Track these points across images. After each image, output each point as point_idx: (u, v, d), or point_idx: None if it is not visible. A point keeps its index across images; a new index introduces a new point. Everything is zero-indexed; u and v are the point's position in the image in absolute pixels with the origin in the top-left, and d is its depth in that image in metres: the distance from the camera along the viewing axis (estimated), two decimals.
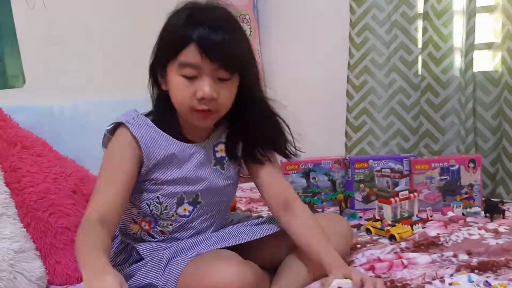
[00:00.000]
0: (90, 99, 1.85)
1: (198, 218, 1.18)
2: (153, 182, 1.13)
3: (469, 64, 2.02)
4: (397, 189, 1.68)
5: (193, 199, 1.16)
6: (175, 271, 1.06)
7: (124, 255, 1.20)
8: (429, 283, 1.12)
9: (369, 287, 0.99)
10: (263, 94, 1.18)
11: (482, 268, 1.19)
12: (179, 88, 1.07)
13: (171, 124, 1.13)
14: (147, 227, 1.17)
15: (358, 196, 1.88)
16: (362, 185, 1.88)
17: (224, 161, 1.21)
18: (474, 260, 1.25)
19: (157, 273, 1.09)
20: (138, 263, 1.14)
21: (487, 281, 1.10)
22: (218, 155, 1.20)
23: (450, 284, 1.11)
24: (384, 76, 2.25)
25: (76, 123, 1.74)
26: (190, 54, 1.04)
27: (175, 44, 1.05)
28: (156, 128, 1.12)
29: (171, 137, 1.12)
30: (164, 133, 1.12)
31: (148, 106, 2.02)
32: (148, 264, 1.11)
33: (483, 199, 1.81)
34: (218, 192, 1.20)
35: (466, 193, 1.81)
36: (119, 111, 1.86)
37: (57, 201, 1.34)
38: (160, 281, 1.07)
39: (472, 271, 1.18)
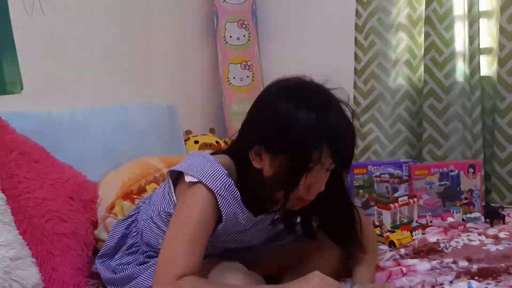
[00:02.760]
0: (88, 106, 1.85)
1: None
2: (213, 241, 1.08)
3: (475, 68, 2.01)
4: (396, 194, 1.67)
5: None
6: None
7: (131, 257, 1.19)
8: None
9: None
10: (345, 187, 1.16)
11: (482, 274, 1.18)
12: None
13: (256, 202, 1.06)
14: None
15: (357, 202, 1.87)
16: (361, 191, 1.87)
17: (277, 220, 1.18)
18: (474, 267, 1.24)
19: None
20: (143, 265, 1.13)
21: None
22: (275, 217, 1.16)
23: None
24: (392, 82, 2.21)
25: (74, 129, 1.74)
26: (321, 154, 0.98)
27: (307, 144, 0.97)
28: (242, 205, 1.05)
29: (251, 215, 1.08)
30: (247, 210, 1.06)
31: (144, 113, 2.02)
32: (152, 267, 1.10)
33: (483, 204, 1.80)
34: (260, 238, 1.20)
35: (465, 198, 1.80)
36: (118, 117, 1.89)
37: (54, 207, 1.34)
38: None
39: (472, 278, 1.17)
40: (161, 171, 1.65)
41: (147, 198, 1.27)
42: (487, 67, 2.07)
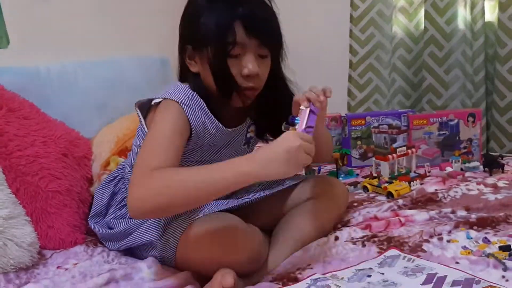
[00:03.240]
0: (77, 59, 1.79)
1: None
2: (188, 160, 1.11)
3: (479, 14, 1.94)
4: (394, 145, 1.65)
5: None
6: (176, 233, 1.04)
7: (124, 210, 1.17)
8: (427, 241, 1.10)
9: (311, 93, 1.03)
10: (285, 74, 1.17)
11: (481, 224, 1.18)
12: None
13: (216, 107, 1.09)
14: None
15: (355, 153, 1.86)
16: (359, 142, 1.85)
17: (252, 140, 1.22)
18: (473, 216, 1.23)
19: (156, 232, 1.07)
20: (138, 220, 1.12)
21: (486, 238, 1.09)
22: (248, 135, 1.21)
23: (448, 241, 1.10)
24: (391, 30, 2.14)
25: (64, 84, 1.69)
26: (237, 33, 1.01)
27: (218, 26, 1.01)
28: (208, 112, 1.08)
29: (220, 124, 1.10)
30: (214, 118, 1.09)
31: (136, 65, 1.97)
32: (148, 221, 1.10)
33: (482, 153, 1.79)
34: None
35: (465, 147, 1.78)
36: (108, 70, 1.83)
37: (47, 164, 1.31)
38: (160, 241, 1.06)
39: (471, 228, 1.16)
40: None
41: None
42: (490, 12, 2.00)
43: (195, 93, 1.07)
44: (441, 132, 1.78)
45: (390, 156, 1.59)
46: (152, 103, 1.08)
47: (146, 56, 2.05)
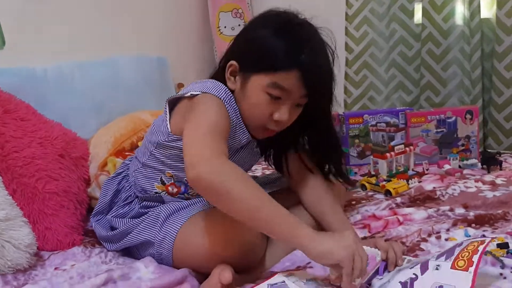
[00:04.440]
0: (74, 60, 1.78)
1: None
2: None
3: (475, 10, 1.94)
4: (392, 143, 1.65)
5: None
6: (173, 229, 1.04)
7: (127, 207, 1.17)
8: (425, 240, 1.10)
9: (392, 253, 0.97)
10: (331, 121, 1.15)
11: (479, 221, 1.18)
12: (259, 104, 1.02)
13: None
14: (174, 191, 1.14)
15: (353, 152, 1.85)
16: (357, 140, 1.85)
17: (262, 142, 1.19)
18: (471, 214, 1.23)
19: (153, 230, 1.07)
20: (137, 219, 1.12)
21: (484, 235, 1.09)
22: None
23: (446, 239, 1.10)
24: (385, 27, 2.15)
25: (60, 85, 1.68)
26: (290, 79, 0.99)
27: (276, 63, 0.99)
28: (240, 117, 1.06)
29: (248, 133, 1.08)
30: (243, 124, 1.07)
31: (133, 65, 1.95)
32: (146, 220, 1.10)
33: (480, 150, 1.79)
34: (250, 164, 1.22)
35: (462, 145, 1.78)
36: (105, 70, 1.83)
37: (44, 166, 1.31)
38: (157, 238, 1.06)
39: (469, 225, 1.16)
40: None
41: (135, 157, 1.25)
42: (487, 9, 2.00)
43: (232, 95, 1.05)
44: (439, 130, 1.78)
45: (388, 154, 1.59)
46: (189, 94, 1.02)
47: (143, 56, 2.04)
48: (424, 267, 0.88)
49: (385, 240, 1.12)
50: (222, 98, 1.01)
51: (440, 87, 2.06)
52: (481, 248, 0.83)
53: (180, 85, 2.31)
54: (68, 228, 1.26)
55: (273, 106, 1.01)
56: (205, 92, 1.01)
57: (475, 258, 0.81)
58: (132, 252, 1.16)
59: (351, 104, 2.21)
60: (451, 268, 0.83)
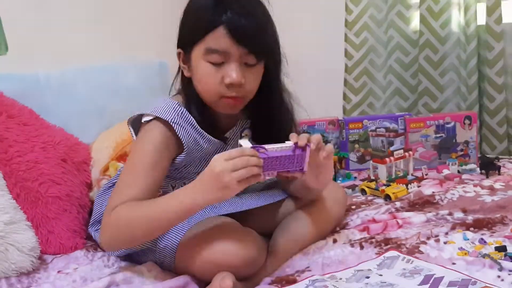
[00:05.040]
0: (76, 65, 1.79)
1: None
2: (184, 173, 1.12)
3: (471, 18, 1.95)
4: (392, 148, 1.66)
5: None
6: (174, 238, 1.05)
7: None
8: (424, 242, 1.12)
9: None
10: (282, 84, 1.14)
11: (477, 225, 1.19)
12: (206, 75, 1.02)
13: (208, 120, 1.09)
14: None
15: (352, 157, 1.87)
16: (356, 145, 1.86)
17: None
18: (470, 218, 1.24)
19: (155, 239, 1.07)
20: None
21: (482, 239, 1.10)
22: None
23: (445, 242, 1.11)
24: (383, 33, 2.16)
25: (63, 90, 1.69)
26: (219, 38, 0.99)
27: (202, 27, 1.00)
28: (199, 128, 1.07)
29: (211, 138, 1.09)
30: (206, 133, 1.08)
31: (134, 70, 1.97)
32: None
33: (479, 155, 1.80)
34: None
35: (461, 150, 1.80)
36: (107, 75, 1.84)
37: (47, 170, 1.32)
38: (158, 246, 1.07)
39: (468, 229, 1.18)
40: None
41: None
42: (484, 16, 2.02)
43: (185, 109, 1.06)
44: (438, 135, 1.79)
45: (387, 159, 1.61)
46: (143, 121, 1.06)
47: (144, 60, 2.05)
48: None
49: (385, 242, 1.14)
50: (170, 120, 1.02)
51: (437, 93, 2.07)
52: None
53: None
54: (71, 232, 1.28)
55: (220, 72, 1.01)
56: (156, 116, 1.03)
57: None
58: (133, 257, 1.17)
59: (350, 110, 2.22)
60: None
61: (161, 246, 1.06)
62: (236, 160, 0.87)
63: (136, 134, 1.10)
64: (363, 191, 1.57)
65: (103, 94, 1.79)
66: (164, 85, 2.08)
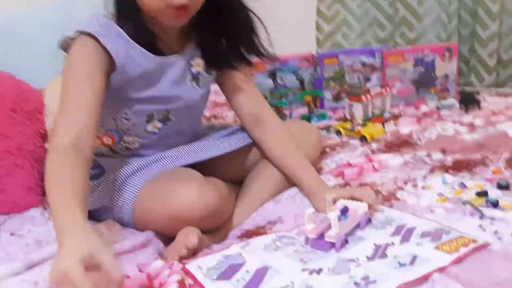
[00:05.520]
0: (24, 5, 1.63)
1: (167, 135, 1.08)
2: (124, 99, 1.00)
3: None
4: (368, 85, 1.58)
5: (163, 116, 1.05)
6: (131, 194, 0.98)
7: None
8: (401, 188, 1.06)
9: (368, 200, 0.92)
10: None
11: (457, 167, 1.13)
12: None
13: (144, 33, 0.98)
14: (109, 142, 1.07)
15: (328, 95, 1.78)
16: (332, 83, 1.77)
17: (199, 76, 1.09)
18: (449, 159, 1.19)
19: (111, 195, 1.01)
20: (92, 182, 1.03)
21: (462, 183, 1.04)
22: (194, 70, 1.08)
23: (423, 188, 1.05)
24: None
25: (9, 32, 1.55)
26: None
27: None
28: (130, 40, 0.96)
29: (146, 51, 0.98)
30: (139, 46, 0.97)
31: (88, 7, 1.81)
32: (102, 185, 1.03)
33: (458, 90, 1.73)
34: (191, 108, 1.10)
35: (440, 84, 1.72)
36: (58, 15, 1.68)
37: None
38: (115, 204, 1.00)
39: (447, 172, 1.12)
40: None
41: None
42: None
43: (111, 21, 0.95)
44: (416, 69, 1.71)
45: (364, 97, 1.52)
46: (69, 38, 0.96)
47: None
48: (404, 239, 0.83)
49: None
50: (94, 31, 0.92)
51: (415, 22, 1.97)
52: (472, 245, 0.78)
53: None
54: (25, 189, 1.18)
55: None
56: (79, 32, 0.94)
57: (463, 250, 0.77)
58: (92, 214, 1.08)
59: (323, 41, 2.12)
60: (434, 248, 0.78)
61: (119, 203, 0.99)
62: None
63: None
64: (338, 132, 1.49)
65: (55, 35, 1.63)
66: None
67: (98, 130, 0.95)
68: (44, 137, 1.35)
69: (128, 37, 0.96)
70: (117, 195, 0.99)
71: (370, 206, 0.92)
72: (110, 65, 0.94)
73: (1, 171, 1.17)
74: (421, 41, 2.00)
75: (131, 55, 0.96)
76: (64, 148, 0.84)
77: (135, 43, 0.97)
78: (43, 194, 1.21)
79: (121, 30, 0.96)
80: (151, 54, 0.99)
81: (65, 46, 0.98)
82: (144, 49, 0.98)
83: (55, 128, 0.91)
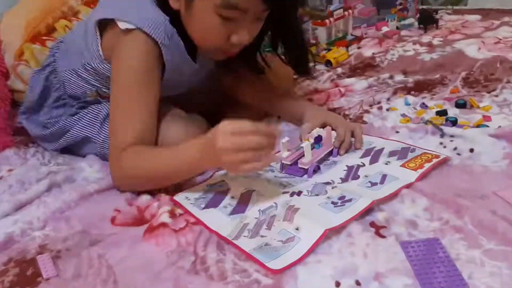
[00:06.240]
0: None
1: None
2: None
3: None
4: (331, 8, 1.58)
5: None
6: None
7: (61, 110, 1.08)
8: (367, 111, 1.12)
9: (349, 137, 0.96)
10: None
11: (418, 88, 1.20)
12: (211, 28, 0.86)
13: (193, 48, 0.94)
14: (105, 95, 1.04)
15: None
16: None
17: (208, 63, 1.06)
18: (410, 81, 1.25)
19: (94, 127, 1.02)
20: (76, 116, 1.05)
21: (423, 103, 1.12)
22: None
23: (387, 109, 1.12)
24: None
25: None
26: None
27: None
28: (186, 54, 0.92)
29: (194, 63, 0.96)
30: (190, 59, 0.94)
31: None
32: (86, 117, 1.03)
33: (418, 8, 1.77)
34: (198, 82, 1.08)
35: (400, 4, 1.75)
36: None
37: None
38: (98, 138, 1.01)
39: (409, 93, 1.19)
40: (68, 3, 1.43)
41: (61, 42, 1.12)
42: None
43: (175, 30, 0.88)
44: None
45: (327, 21, 1.54)
46: (122, 28, 0.87)
47: None
48: (374, 160, 0.90)
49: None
50: (159, 41, 0.86)
51: None
52: (434, 160, 0.85)
53: None
54: None
55: (228, 28, 0.86)
56: (139, 28, 0.86)
57: (427, 166, 0.84)
58: (71, 149, 1.10)
59: None
60: (400, 166, 0.86)
61: (101, 138, 1.00)
62: (245, 139, 0.73)
63: (101, 35, 0.93)
64: None
65: None
66: None
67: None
68: (4, 75, 1.31)
69: (186, 52, 0.92)
70: (99, 129, 1.00)
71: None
72: (161, 73, 0.92)
73: None
74: None
75: (181, 66, 0.94)
76: (130, 146, 0.85)
77: (189, 58, 0.94)
78: (14, 134, 1.21)
79: (182, 44, 0.91)
80: (195, 64, 0.97)
81: (104, 26, 0.92)
82: (192, 60, 0.95)
83: (116, 124, 0.89)
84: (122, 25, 0.87)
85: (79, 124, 1.04)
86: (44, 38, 1.35)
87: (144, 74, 0.88)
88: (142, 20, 0.86)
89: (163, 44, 0.87)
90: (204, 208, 0.83)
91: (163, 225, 0.79)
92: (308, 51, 1.05)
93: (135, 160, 0.85)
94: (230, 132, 0.74)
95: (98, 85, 1.01)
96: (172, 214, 0.81)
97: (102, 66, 0.95)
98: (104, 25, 0.92)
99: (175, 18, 0.89)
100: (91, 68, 0.98)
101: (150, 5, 0.89)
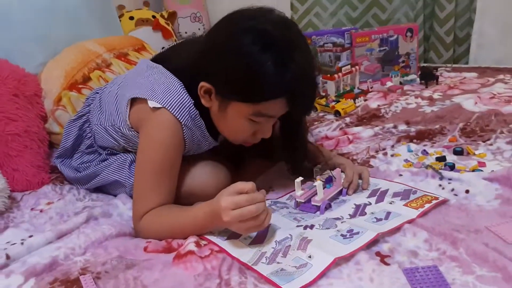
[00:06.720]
0: None
1: None
2: None
3: None
4: (340, 64, 1.73)
5: None
6: None
7: (92, 156, 1.20)
8: (373, 156, 1.23)
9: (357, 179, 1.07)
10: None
11: (419, 137, 1.31)
12: (241, 129, 0.98)
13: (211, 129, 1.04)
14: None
15: None
16: None
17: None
18: (412, 130, 1.37)
19: (124, 172, 1.12)
20: (105, 162, 1.15)
21: (424, 150, 1.23)
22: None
23: (392, 155, 1.23)
24: None
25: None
26: (276, 107, 0.93)
27: (261, 94, 0.91)
28: (206, 133, 1.04)
29: (212, 140, 1.07)
30: (211, 138, 1.06)
31: None
32: (115, 163, 1.14)
33: (419, 66, 1.91)
34: None
35: (403, 61, 1.90)
36: (45, 1, 1.72)
37: (1, 107, 1.29)
38: (129, 181, 1.11)
39: (411, 141, 1.30)
40: (102, 56, 1.59)
41: (96, 92, 1.25)
42: None
43: (197, 112, 0.99)
44: (382, 48, 1.87)
45: (336, 76, 1.68)
46: (151, 106, 0.97)
47: None
48: (379, 199, 1.00)
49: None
50: (182, 122, 0.97)
51: (385, 3, 2.12)
52: (434, 202, 0.96)
53: (121, 7, 2.23)
54: (35, 167, 1.28)
55: (254, 127, 0.98)
56: (165, 108, 0.96)
57: (427, 206, 0.94)
58: (104, 189, 1.20)
59: (297, 21, 2.24)
60: (403, 205, 0.96)
61: (131, 182, 1.09)
62: (245, 209, 0.84)
63: (131, 105, 1.03)
64: (314, 108, 1.65)
65: (42, 19, 1.69)
66: (105, 4, 1.99)
67: None
68: (44, 119, 1.44)
69: (206, 132, 1.03)
70: (128, 172, 1.11)
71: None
72: (183, 149, 1.02)
73: (13, 152, 1.26)
74: (392, 21, 2.15)
75: (200, 143, 1.05)
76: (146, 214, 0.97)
77: (209, 136, 1.05)
78: (51, 171, 1.33)
79: (204, 124, 1.01)
80: (214, 141, 1.08)
81: (134, 98, 1.02)
82: (212, 138, 1.06)
83: (138, 193, 0.99)
84: (151, 104, 0.97)
85: (109, 168, 1.14)
86: (80, 86, 1.50)
87: (168, 150, 0.98)
88: (168, 101, 0.97)
89: (186, 126, 0.98)
90: (226, 239, 0.92)
91: (190, 252, 0.87)
92: (307, 152, 1.12)
93: (148, 231, 0.97)
94: (231, 207, 0.85)
95: (124, 144, 1.12)
96: (198, 244, 0.89)
97: (129, 132, 1.06)
98: (135, 98, 1.02)
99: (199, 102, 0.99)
100: (119, 131, 1.09)
101: (178, 87, 0.99)
